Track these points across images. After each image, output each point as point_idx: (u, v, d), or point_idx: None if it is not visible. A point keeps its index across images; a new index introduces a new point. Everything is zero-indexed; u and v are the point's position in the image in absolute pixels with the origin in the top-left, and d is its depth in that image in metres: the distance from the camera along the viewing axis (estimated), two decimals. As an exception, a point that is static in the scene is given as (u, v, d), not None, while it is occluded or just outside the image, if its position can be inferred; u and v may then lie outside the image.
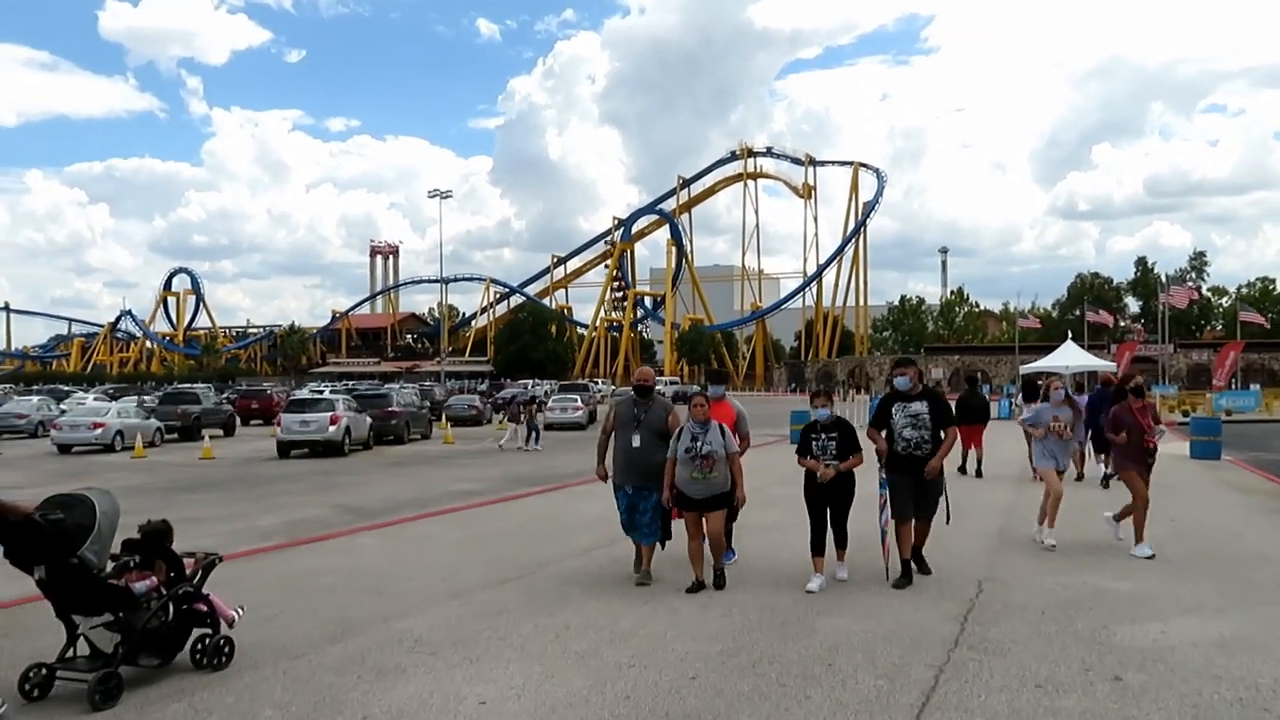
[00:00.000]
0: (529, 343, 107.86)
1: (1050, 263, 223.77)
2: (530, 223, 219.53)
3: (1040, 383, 16.61)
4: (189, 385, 53.59)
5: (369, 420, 28.37)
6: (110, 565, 5.46)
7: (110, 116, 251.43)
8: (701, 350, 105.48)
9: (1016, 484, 15.80)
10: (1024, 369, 46.21)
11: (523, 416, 26.69)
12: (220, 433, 32.74)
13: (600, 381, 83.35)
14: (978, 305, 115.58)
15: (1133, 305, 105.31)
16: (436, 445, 29.27)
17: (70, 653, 5.41)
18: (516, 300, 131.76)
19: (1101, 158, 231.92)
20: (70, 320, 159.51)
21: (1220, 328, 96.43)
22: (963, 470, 17.00)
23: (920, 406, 8.22)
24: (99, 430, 27.44)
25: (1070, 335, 49.15)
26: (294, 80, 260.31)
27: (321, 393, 36.83)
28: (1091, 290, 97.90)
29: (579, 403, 38.56)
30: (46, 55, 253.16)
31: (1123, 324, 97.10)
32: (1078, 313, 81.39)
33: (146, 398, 39.97)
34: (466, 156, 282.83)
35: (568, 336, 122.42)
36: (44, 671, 5.31)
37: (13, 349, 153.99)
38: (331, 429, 25.22)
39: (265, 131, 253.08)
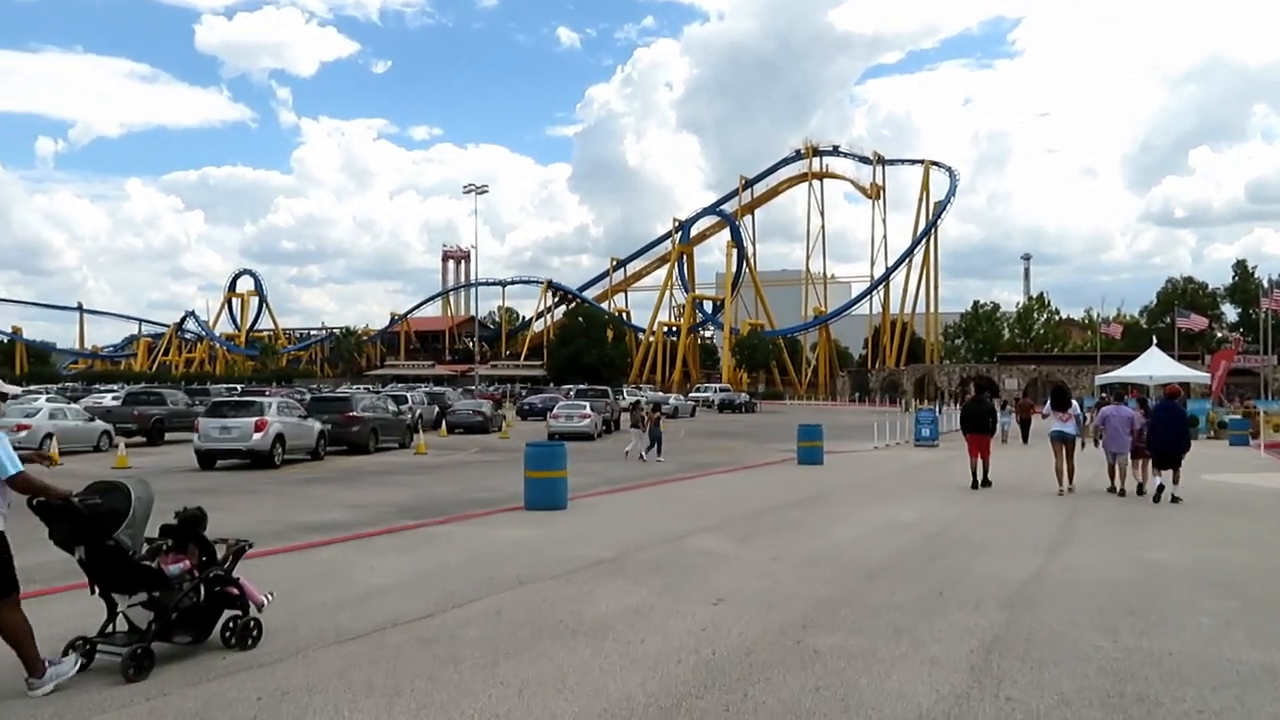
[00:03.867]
0: (582, 347, 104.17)
1: (1142, 271, 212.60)
2: (608, 229, 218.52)
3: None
4: (155, 386, 51.27)
5: (319, 427, 24.87)
6: (145, 548, 5.75)
7: (205, 126, 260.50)
8: (760, 357, 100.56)
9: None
10: (1101, 379, 40.86)
11: (645, 423, 24.15)
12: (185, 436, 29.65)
13: (646, 388, 79.28)
14: (1058, 312, 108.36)
15: (1230, 314, 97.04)
16: (405, 456, 25.86)
17: (110, 629, 5.70)
18: (578, 305, 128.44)
19: (1199, 162, 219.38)
20: (140, 320, 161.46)
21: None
22: (975, 485, 16.17)
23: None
24: (23, 433, 24.37)
25: (1156, 343, 43.51)
26: (379, 90, 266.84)
27: (265, 394, 33.54)
28: (1184, 296, 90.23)
29: (586, 410, 34.67)
30: (147, 68, 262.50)
31: (1219, 333, 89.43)
32: (1168, 320, 74.58)
33: (108, 398, 37.07)
34: (545, 164, 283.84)
35: (626, 341, 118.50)
36: (86, 645, 5.57)
37: (85, 349, 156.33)
38: (257, 436, 21.75)
39: (351, 140, 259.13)
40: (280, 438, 22.56)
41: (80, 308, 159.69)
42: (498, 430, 36.91)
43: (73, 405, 29.26)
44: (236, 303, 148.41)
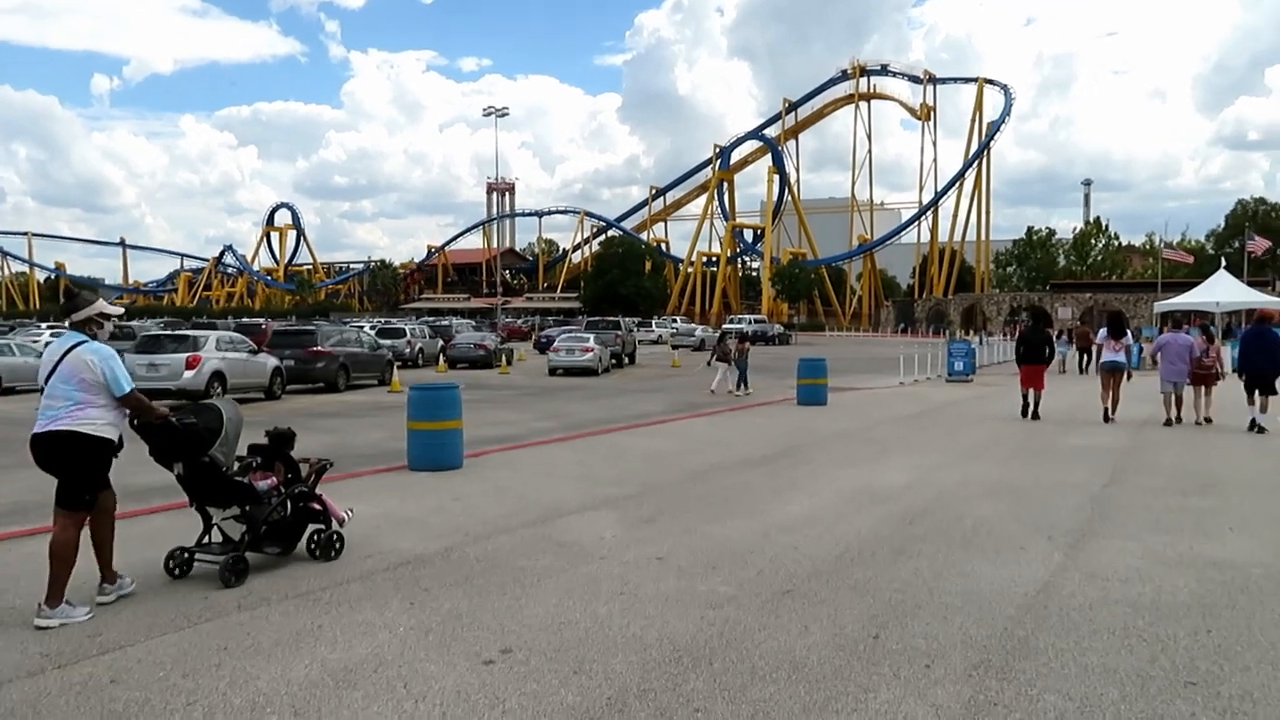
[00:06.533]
0: (616, 278, 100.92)
1: (1211, 197, 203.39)
2: (658, 159, 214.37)
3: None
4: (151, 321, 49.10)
5: (273, 364, 22.43)
6: (237, 465, 6.03)
7: (256, 61, 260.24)
8: (801, 287, 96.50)
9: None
10: (1161, 306, 37.04)
11: (734, 356, 22.57)
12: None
13: (678, 319, 76.21)
14: (1117, 238, 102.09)
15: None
16: (374, 395, 23.49)
17: (206, 539, 6.07)
18: (615, 235, 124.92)
19: (1276, 81, 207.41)
20: (182, 255, 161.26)
21: None
22: (1025, 413, 15.81)
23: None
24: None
25: (1225, 265, 39.38)
26: (428, 21, 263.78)
27: (217, 329, 31.08)
28: (1255, 219, 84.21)
29: (590, 343, 31.86)
30: (198, 3, 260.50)
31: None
32: (1235, 245, 69.27)
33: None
34: (595, 94, 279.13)
35: (664, 272, 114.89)
36: (184, 554, 5.98)
37: (129, 284, 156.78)
38: (188, 374, 19.42)
39: (401, 73, 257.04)
40: (218, 375, 20.21)
41: (123, 243, 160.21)
42: (502, 364, 34.42)
43: (24, 343, 27.15)
44: (276, 237, 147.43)
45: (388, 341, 34.96)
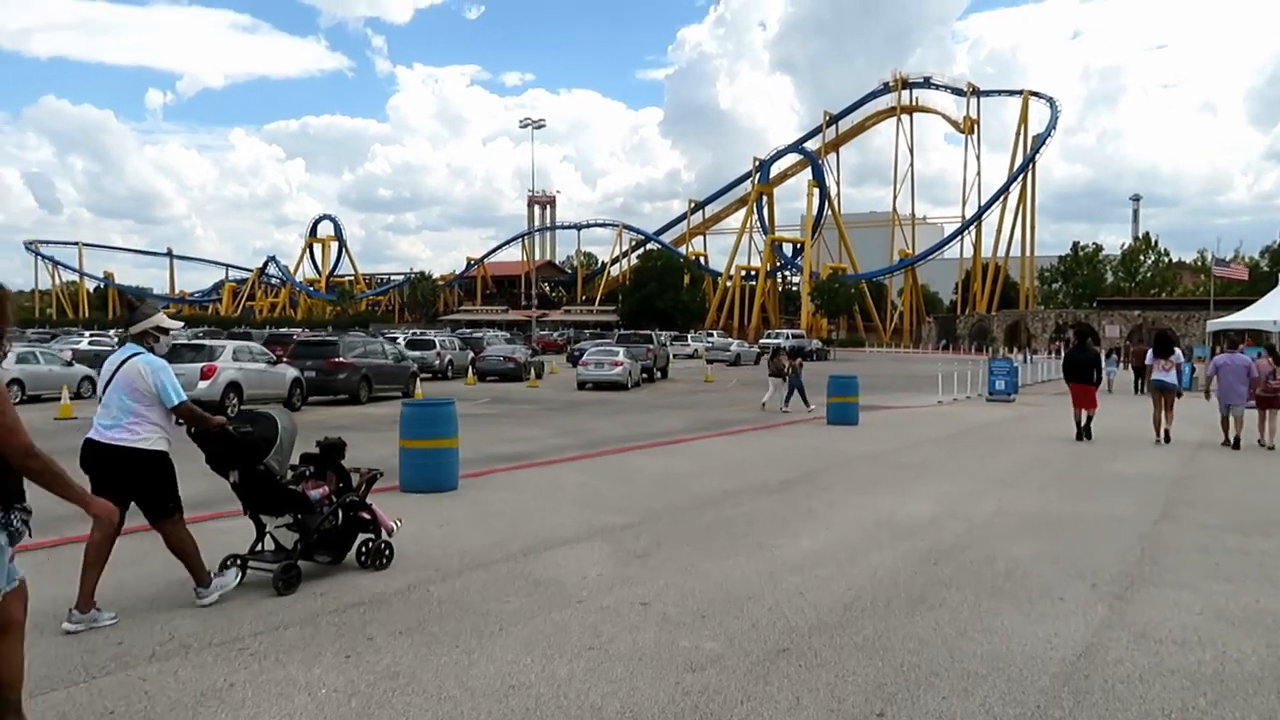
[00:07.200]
0: (654, 291, 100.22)
1: (1265, 213, 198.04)
2: (699, 173, 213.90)
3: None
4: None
5: (292, 375, 22.06)
6: (290, 474, 6.12)
7: (304, 76, 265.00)
8: (841, 301, 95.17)
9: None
10: (1214, 324, 35.55)
11: (787, 371, 21.94)
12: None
13: (715, 333, 75.32)
14: (1167, 254, 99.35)
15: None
16: (394, 408, 22.88)
17: (259, 548, 6.08)
18: (653, 249, 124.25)
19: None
20: (227, 266, 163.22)
21: None
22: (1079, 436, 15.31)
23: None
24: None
25: (1282, 283, 37.71)
26: (473, 36, 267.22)
27: (251, 340, 30.83)
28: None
29: (619, 356, 31.21)
30: (248, 19, 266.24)
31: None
32: (1293, 261, 66.92)
33: (84, 341, 34.84)
34: (637, 108, 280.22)
35: (703, 286, 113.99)
36: (238, 561, 5.96)
37: (175, 294, 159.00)
38: (203, 384, 19.05)
39: (445, 87, 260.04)
40: (234, 386, 19.90)
41: (170, 253, 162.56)
42: (531, 378, 33.86)
43: (49, 350, 27.05)
44: (318, 248, 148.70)
45: (416, 353, 34.58)
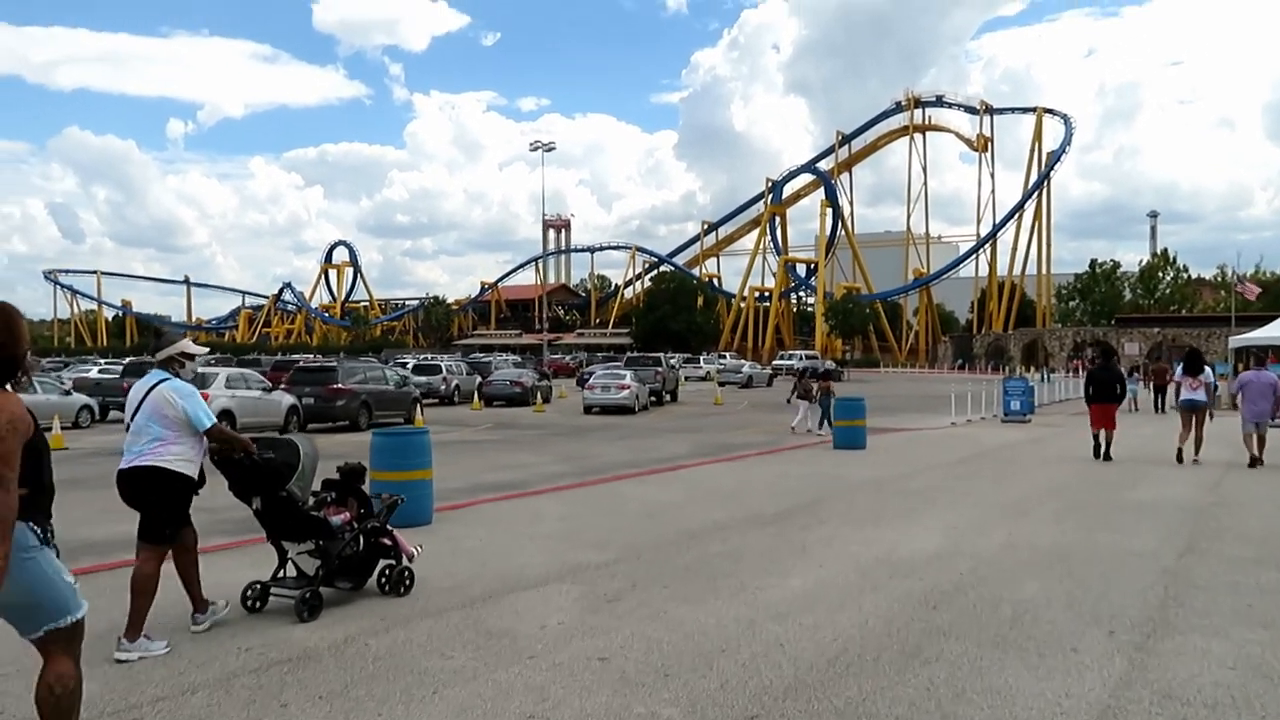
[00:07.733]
0: (668, 313, 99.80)
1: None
2: (714, 195, 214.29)
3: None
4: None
5: (288, 402, 21.64)
6: (311, 500, 6.09)
7: (323, 104, 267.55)
8: (855, 321, 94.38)
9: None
10: (1236, 341, 34.73)
11: (816, 394, 21.31)
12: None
13: (728, 355, 74.62)
14: (1186, 270, 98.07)
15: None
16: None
17: (281, 574, 6.13)
18: (666, 271, 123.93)
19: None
20: (244, 293, 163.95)
21: None
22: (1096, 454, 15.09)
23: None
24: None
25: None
26: (489, 63, 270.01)
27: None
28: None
29: (626, 380, 30.67)
30: (268, 49, 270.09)
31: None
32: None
33: (94, 370, 34.46)
34: (652, 132, 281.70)
35: (716, 307, 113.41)
36: (260, 588, 6.04)
37: (191, 321, 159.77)
38: (195, 413, 18.48)
39: (461, 113, 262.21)
40: (226, 414, 19.52)
41: (187, 281, 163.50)
42: (538, 402, 33.32)
43: (46, 378, 26.73)
44: (334, 274, 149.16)
45: (422, 378, 34.12)
